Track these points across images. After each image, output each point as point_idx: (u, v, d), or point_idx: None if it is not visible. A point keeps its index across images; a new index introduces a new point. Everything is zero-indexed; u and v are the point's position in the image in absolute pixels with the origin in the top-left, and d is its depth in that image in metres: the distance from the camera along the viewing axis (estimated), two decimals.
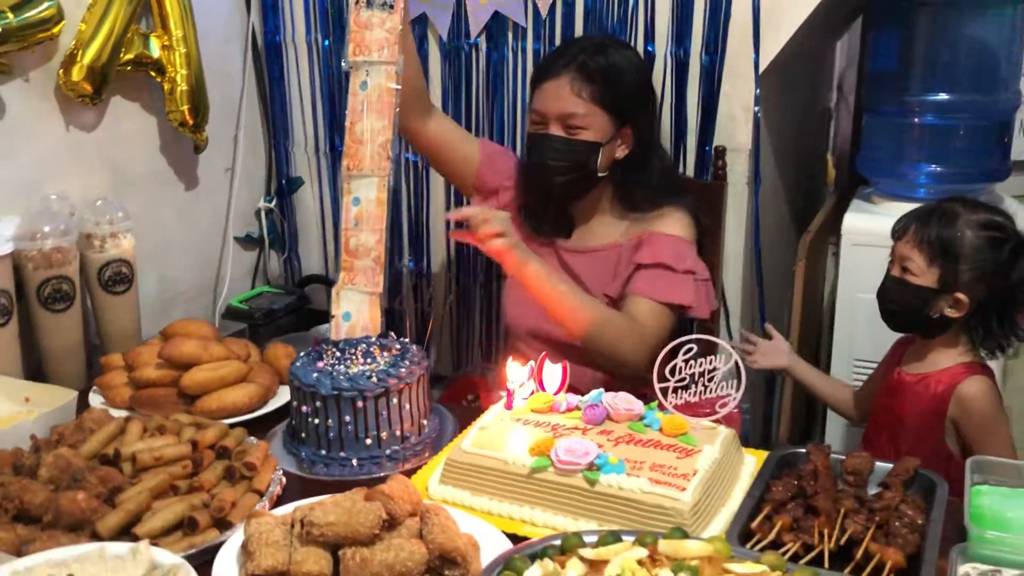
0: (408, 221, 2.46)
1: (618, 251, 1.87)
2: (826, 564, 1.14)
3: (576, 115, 1.76)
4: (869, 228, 2.06)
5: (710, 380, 1.41)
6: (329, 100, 2.45)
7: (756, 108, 2.02)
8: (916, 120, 2.14)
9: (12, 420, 1.51)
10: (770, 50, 1.98)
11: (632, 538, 1.13)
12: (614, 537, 1.15)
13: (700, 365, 1.42)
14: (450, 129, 1.96)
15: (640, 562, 1.08)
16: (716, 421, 1.41)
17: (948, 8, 2.03)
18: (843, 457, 1.35)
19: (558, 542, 1.15)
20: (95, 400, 1.67)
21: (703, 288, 1.83)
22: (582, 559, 1.10)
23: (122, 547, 1.11)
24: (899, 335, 1.80)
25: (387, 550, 1.10)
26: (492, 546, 1.21)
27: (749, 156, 2.06)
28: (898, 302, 1.67)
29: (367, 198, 1.63)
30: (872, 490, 1.31)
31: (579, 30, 2.12)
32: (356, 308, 1.63)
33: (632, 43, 2.07)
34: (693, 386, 1.42)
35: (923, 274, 1.63)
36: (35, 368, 1.78)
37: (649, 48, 2.07)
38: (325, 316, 1.61)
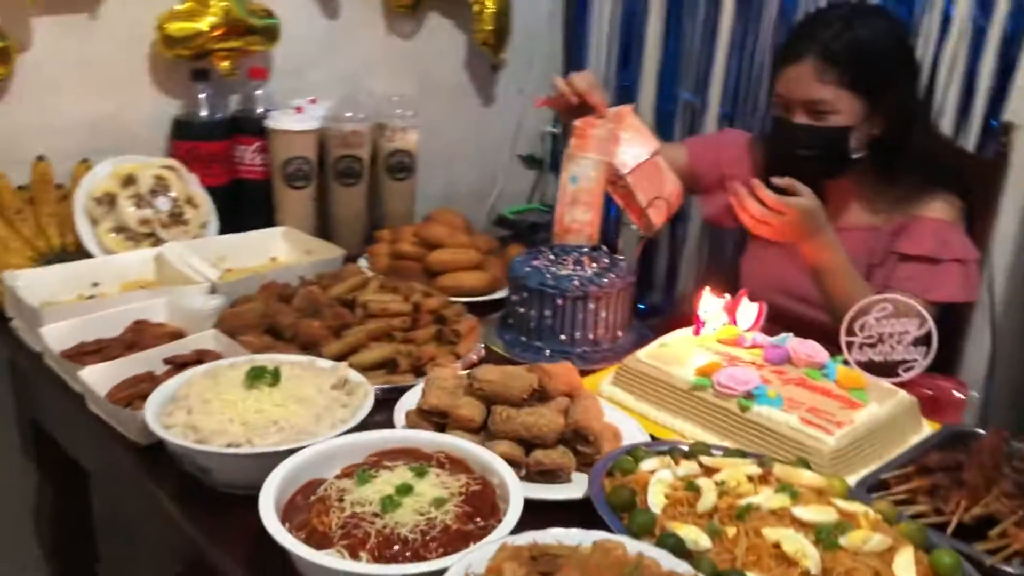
0: None
1: (876, 234, 1.78)
2: (949, 531, 1.11)
3: (822, 101, 1.69)
4: None
5: (898, 343, 1.40)
6: (620, 42, 2.56)
7: None
8: None
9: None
10: None
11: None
12: (739, 453, 1.21)
13: (891, 326, 1.40)
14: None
15: (750, 478, 1.13)
16: (898, 385, 1.39)
17: None
18: None
19: (686, 448, 1.23)
20: (362, 263, 1.96)
21: (971, 273, 1.73)
22: (700, 464, 1.17)
23: (326, 363, 1.36)
24: None
25: (531, 414, 1.24)
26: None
27: None
28: None
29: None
30: None
31: None
32: (583, 173, 1.73)
33: (932, 4, 1.96)
34: (880, 345, 1.41)
35: None
36: (323, 231, 2.10)
37: (950, 11, 1.95)
38: None
